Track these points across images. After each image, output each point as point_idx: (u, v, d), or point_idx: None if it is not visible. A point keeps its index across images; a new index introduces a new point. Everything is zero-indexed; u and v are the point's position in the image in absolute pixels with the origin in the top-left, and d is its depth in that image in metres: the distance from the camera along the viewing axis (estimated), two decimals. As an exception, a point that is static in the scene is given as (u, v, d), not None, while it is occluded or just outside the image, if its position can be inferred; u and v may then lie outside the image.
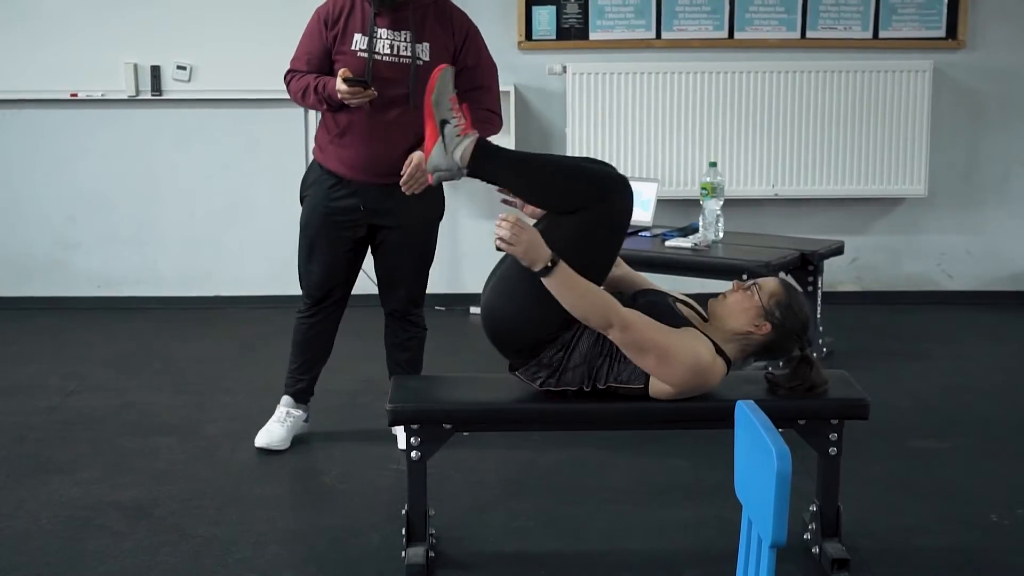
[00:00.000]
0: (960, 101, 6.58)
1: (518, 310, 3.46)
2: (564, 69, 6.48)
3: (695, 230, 5.75)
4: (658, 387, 3.44)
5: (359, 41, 4.22)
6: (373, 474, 4.34)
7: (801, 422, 3.58)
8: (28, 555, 3.75)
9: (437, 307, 6.57)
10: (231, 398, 5.23)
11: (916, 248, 6.74)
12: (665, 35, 6.50)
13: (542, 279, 3.32)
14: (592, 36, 6.50)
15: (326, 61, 4.28)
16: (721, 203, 5.73)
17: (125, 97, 6.44)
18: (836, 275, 6.55)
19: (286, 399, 4.65)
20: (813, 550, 3.71)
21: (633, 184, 5.97)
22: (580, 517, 4.03)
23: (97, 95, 6.50)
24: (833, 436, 3.61)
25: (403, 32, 4.22)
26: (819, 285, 5.66)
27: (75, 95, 6.50)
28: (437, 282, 6.56)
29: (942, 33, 6.49)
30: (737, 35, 6.50)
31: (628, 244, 5.69)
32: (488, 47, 4.45)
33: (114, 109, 6.52)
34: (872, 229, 6.71)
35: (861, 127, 6.50)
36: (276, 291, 6.52)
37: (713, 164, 5.89)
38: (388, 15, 4.22)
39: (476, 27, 4.39)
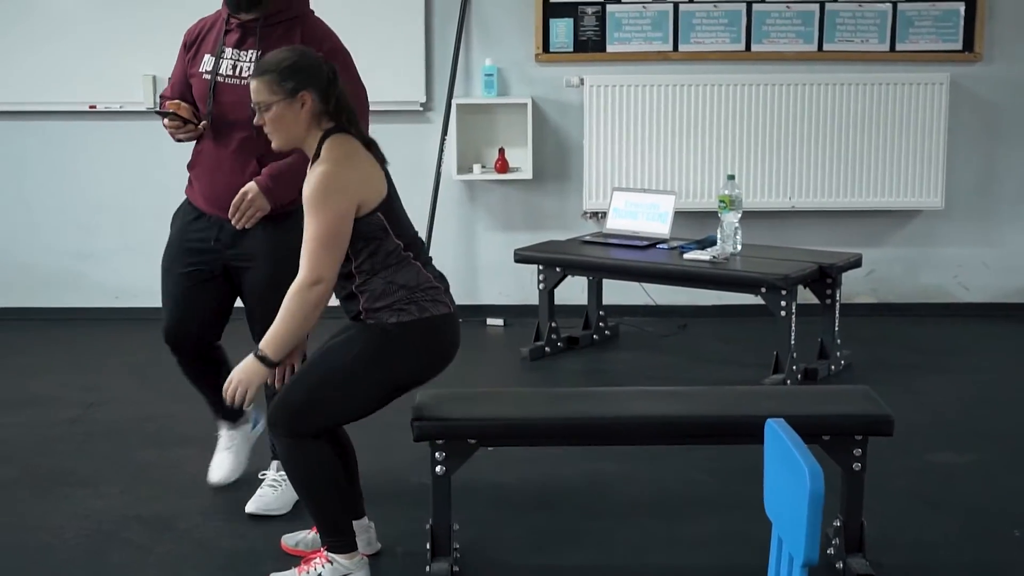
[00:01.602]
0: (977, 114, 6.58)
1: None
2: (581, 81, 6.49)
3: (713, 243, 5.76)
4: None
5: (207, 62, 3.94)
6: (395, 487, 4.34)
7: (825, 438, 3.59)
8: (53, 569, 3.77)
9: (454, 319, 6.58)
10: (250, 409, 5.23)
11: (933, 260, 6.75)
12: (682, 48, 6.51)
13: (270, 364, 3.39)
14: (609, 48, 6.52)
15: (187, 85, 4.03)
16: (739, 216, 5.74)
17: (143, 109, 6.45)
18: (852, 287, 6.55)
19: (221, 423, 4.36)
20: (837, 565, 3.71)
21: (650, 196, 6.09)
22: (603, 531, 4.03)
23: (115, 107, 6.54)
24: (857, 452, 3.61)
25: (249, 51, 3.89)
26: (837, 298, 5.67)
27: (93, 107, 6.53)
28: (453, 294, 6.58)
29: (959, 46, 6.50)
30: (754, 48, 6.51)
31: (643, 257, 5.79)
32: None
33: (131, 121, 6.55)
34: (889, 241, 6.71)
35: (878, 140, 6.50)
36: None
37: (731, 177, 5.90)
38: (238, 32, 3.92)
39: (343, 46, 3.95)
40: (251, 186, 3.83)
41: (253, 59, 3.83)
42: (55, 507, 4.20)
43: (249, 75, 3.73)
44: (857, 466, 3.62)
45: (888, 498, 4.22)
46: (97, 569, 3.76)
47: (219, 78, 3.90)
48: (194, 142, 4.06)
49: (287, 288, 3.51)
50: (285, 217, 3.87)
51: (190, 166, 4.09)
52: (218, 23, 3.98)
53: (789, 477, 2.55)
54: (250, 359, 3.40)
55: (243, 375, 3.40)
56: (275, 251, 3.89)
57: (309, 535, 3.83)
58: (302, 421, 3.43)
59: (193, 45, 4.01)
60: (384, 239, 3.39)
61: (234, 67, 3.90)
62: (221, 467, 4.34)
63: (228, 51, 3.91)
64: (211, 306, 4.08)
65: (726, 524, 4.06)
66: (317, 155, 3.37)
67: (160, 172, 6.61)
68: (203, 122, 3.96)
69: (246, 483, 4.37)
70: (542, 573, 3.76)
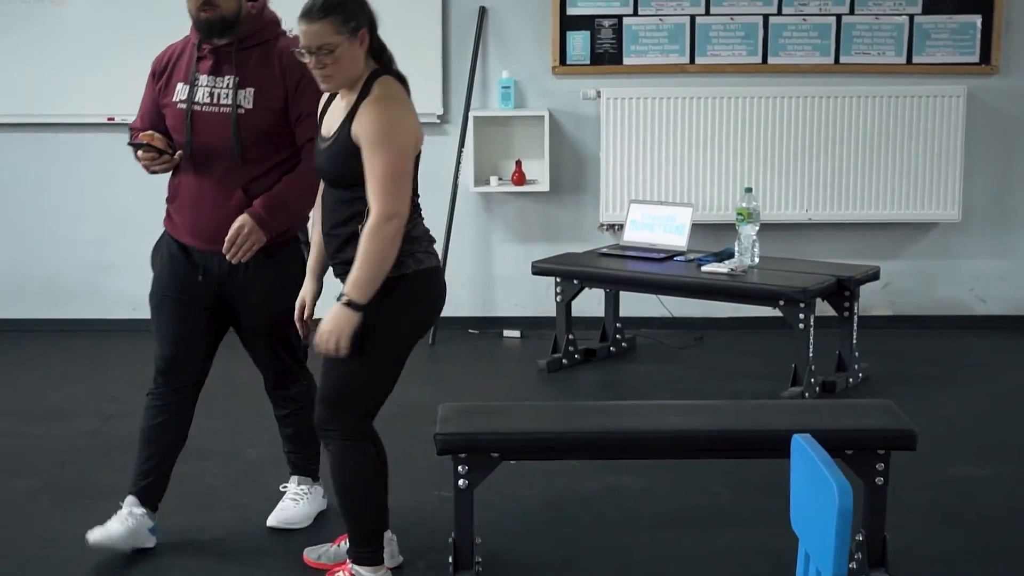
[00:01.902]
0: (993, 126, 6.58)
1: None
2: (598, 94, 6.51)
3: (730, 255, 5.76)
4: None
5: (180, 91, 3.77)
6: (416, 500, 4.34)
7: (848, 452, 3.59)
8: (76, 581, 3.78)
9: (471, 330, 6.60)
10: (269, 423, 5.23)
11: (950, 272, 6.74)
12: (699, 60, 6.52)
13: (357, 307, 3.33)
14: (626, 61, 6.53)
15: (158, 115, 3.85)
16: (757, 228, 5.75)
17: (161, 121, 6.48)
18: (870, 299, 6.54)
19: (130, 498, 3.97)
20: (859, 580, 3.71)
21: (667, 208, 6.10)
22: (624, 545, 4.03)
23: (132, 119, 6.53)
24: (880, 466, 3.62)
25: (226, 77, 3.73)
26: (855, 310, 5.67)
27: (111, 119, 6.55)
28: (470, 305, 6.66)
29: (976, 58, 6.50)
30: (771, 60, 6.52)
31: (661, 269, 5.80)
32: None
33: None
34: (906, 254, 6.71)
35: (895, 152, 6.51)
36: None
37: (749, 190, 5.91)
38: (211, 58, 3.75)
39: None
40: (245, 219, 3.72)
41: (231, 85, 3.70)
42: (77, 519, 4.19)
43: (227, 102, 3.69)
44: (880, 480, 3.62)
45: (908, 511, 4.21)
46: (120, 581, 3.77)
47: (196, 107, 3.74)
48: (169, 173, 3.90)
49: (286, 320, 3.68)
50: (279, 247, 3.83)
51: (169, 199, 3.93)
52: (188, 50, 3.81)
53: (817, 493, 2.55)
54: (337, 308, 3.33)
55: (334, 324, 3.32)
56: (272, 283, 3.83)
57: (331, 548, 3.84)
58: (350, 410, 3.46)
59: (163, 74, 3.84)
60: (412, 187, 3.43)
61: (211, 95, 3.74)
62: (106, 531, 3.91)
63: (203, 78, 3.75)
64: (208, 338, 3.98)
65: (747, 538, 4.06)
66: (363, 94, 3.35)
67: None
68: (179, 152, 3.79)
69: (267, 497, 4.38)
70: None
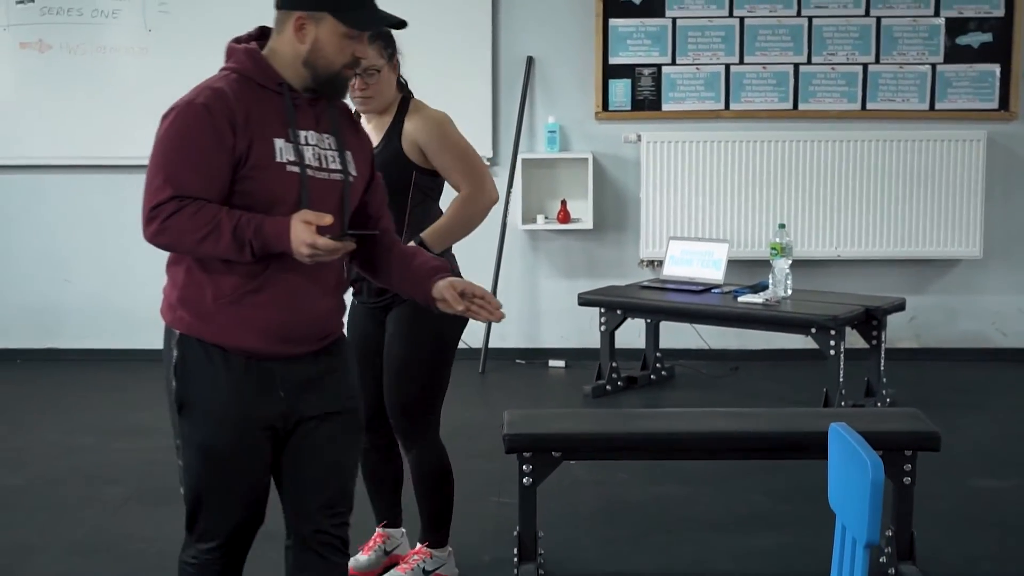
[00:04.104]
0: (1012, 168, 6.95)
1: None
2: (639, 138, 6.91)
3: (765, 287, 6.12)
4: None
5: (284, 150, 2.76)
6: (477, 507, 4.66)
7: (878, 453, 3.92)
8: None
9: (518, 360, 6.97)
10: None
11: (972, 307, 7.08)
12: (733, 106, 6.93)
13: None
14: (665, 107, 6.95)
15: (228, 182, 2.72)
16: (790, 262, 6.11)
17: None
18: (896, 332, 6.88)
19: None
20: (889, 572, 4.04)
21: (704, 244, 6.48)
22: (669, 543, 4.39)
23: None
24: (907, 467, 3.96)
25: (326, 136, 2.86)
26: (883, 339, 6.01)
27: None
28: (517, 337, 7.03)
29: (995, 105, 6.88)
30: (801, 107, 6.92)
31: (700, 300, 6.17)
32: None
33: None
34: (930, 289, 7.06)
35: (919, 192, 6.88)
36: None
37: (782, 226, 6.29)
38: (309, 110, 2.84)
39: None
40: (465, 282, 2.93)
41: (331, 146, 2.85)
42: (166, 519, 4.53)
43: (336, 166, 2.84)
44: (907, 480, 3.97)
45: (935, 517, 4.54)
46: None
47: (309, 171, 2.78)
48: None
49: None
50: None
51: (250, 290, 2.77)
52: (257, 95, 2.78)
53: (852, 471, 2.91)
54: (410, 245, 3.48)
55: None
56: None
57: (363, 557, 4.04)
58: (426, 414, 3.79)
59: (240, 122, 2.72)
60: (436, 201, 3.80)
61: (318, 157, 2.82)
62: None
63: (309, 135, 2.82)
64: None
65: (784, 537, 4.40)
66: (399, 115, 3.70)
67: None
68: (351, 240, 2.80)
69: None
70: (617, 578, 4.12)
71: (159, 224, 2.72)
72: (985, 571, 4.17)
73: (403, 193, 3.68)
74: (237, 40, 2.90)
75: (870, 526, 2.82)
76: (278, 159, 2.76)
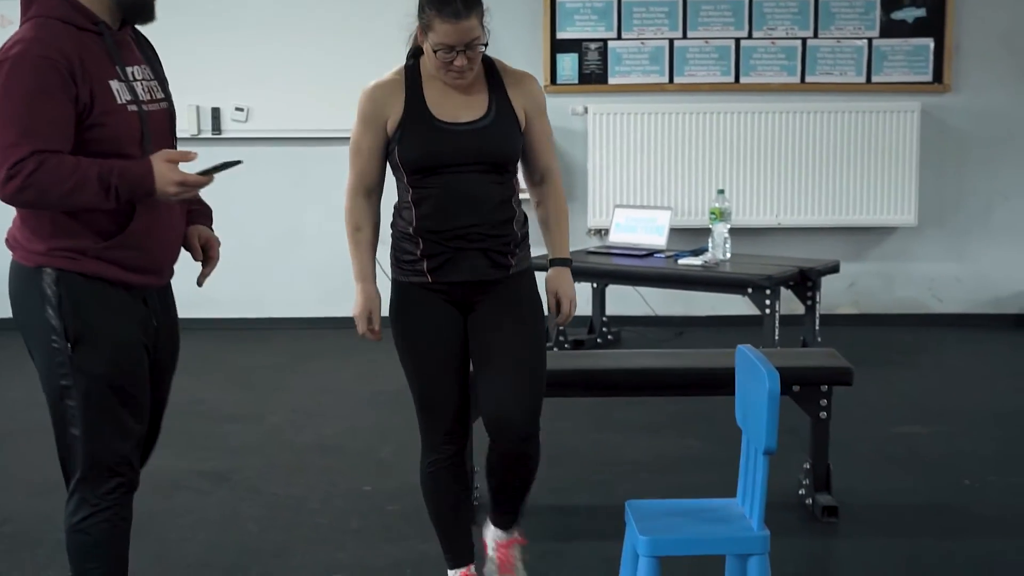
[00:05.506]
0: (946, 139, 7.21)
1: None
2: (586, 110, 7.15)
3: (705, 251, 6.35)
4: None
5: (120, 91, 2.81)
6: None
7: (795, 388, 4.17)
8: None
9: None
10: (289, 396, 5.84)
11: (908, 274, 7.34)
12: (677, 80, 7.16)
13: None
14: (611, 80, 7.18)
15: (74, 133, 2.75)
16: (728, 227, 6.35)
17: (188, 136, 7.01)
18: (836, 299, 7.14)
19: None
20: (807, 502, 4.28)
21: (648, 212, 6.71)
22: (608, 481, 4.63)
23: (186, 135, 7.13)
24: (823, 402, 4.20)
25: (144, 67, 2.94)
26: (817, 300, 6.25)
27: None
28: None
29: (929, 78, 7.14)
30: (742, 80, 7.16)
31: (643, 263, 6.40)
32: None
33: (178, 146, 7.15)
34: (868, 256, 7.31)
35: (856, 162, 7.13)
36: (325, 313, 7.13)
37: (721, 191, 6.53)
38: (129, 46, 2.92)
39: None
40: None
41: (150, 75, 2.93)
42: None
43: (160, 96, 2.94)
44: (823, 415, 4.21)
45: (856, 456, 4.80)
46: (166, 507, 4.34)
47: (145, 107, 2.86)
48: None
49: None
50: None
51: (115, 227, 2.84)
52: (79, 39, 2.78)
53: (754, 386, 3.14)
54: (565, 272, 3.56)
55: (571, 288, 3.56)
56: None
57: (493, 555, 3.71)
58: (539, 413, 3.45)
59: (78, 71, 2.73)
60: None
61: (148, 90, 2.90)
62: None
63: (134, 71, 2.88)
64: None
65: (713, 475, 4.64)
66: (493, 81, 3.34)
67: (201, 193, 7.23)
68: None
69: (291, 450, 4.92)
70: (559, 510, 4.32)
71: (21, 180, 2.68)
72: (896, 502, 4.42)
73: (511, 163, 3.37)
74: None
75: (768, 433, 3.05)
76: (119, 101, 2.79)
